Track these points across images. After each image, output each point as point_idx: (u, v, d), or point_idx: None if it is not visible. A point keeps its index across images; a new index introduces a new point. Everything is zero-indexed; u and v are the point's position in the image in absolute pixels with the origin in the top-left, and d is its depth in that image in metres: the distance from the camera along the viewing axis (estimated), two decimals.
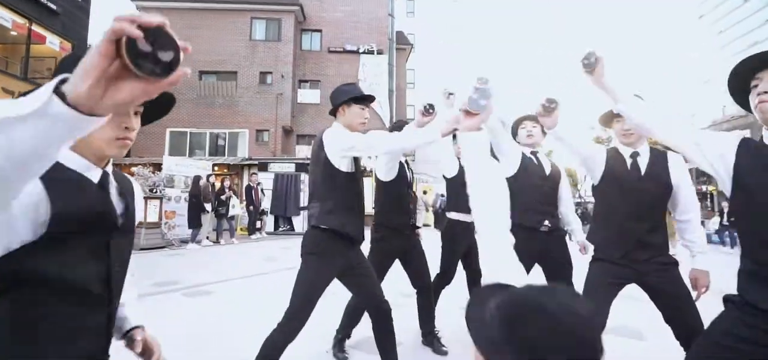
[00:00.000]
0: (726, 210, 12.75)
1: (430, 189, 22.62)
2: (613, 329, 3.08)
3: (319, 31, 19.21)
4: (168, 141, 16.61)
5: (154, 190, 7.97)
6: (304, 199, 12.30)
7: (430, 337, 2.90)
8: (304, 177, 12.40)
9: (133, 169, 11.25)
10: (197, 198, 8.09)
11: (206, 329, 3.24)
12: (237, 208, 9.33)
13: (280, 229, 12.18)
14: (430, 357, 2.79)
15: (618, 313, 2.04)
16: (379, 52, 19.28)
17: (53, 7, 11.12)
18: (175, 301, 4.21)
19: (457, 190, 3.00)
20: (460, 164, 2.87)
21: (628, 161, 1.90)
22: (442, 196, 18.95)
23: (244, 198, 11.13)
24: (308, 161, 10.84)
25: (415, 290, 2.86)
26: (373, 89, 19.28)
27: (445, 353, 2.79)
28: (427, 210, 17.40)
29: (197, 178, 8.36)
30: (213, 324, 3.39)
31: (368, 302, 2.10)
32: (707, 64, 56.54)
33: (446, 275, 3.04)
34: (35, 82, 11.03)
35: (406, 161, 2.83)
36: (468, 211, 2.53)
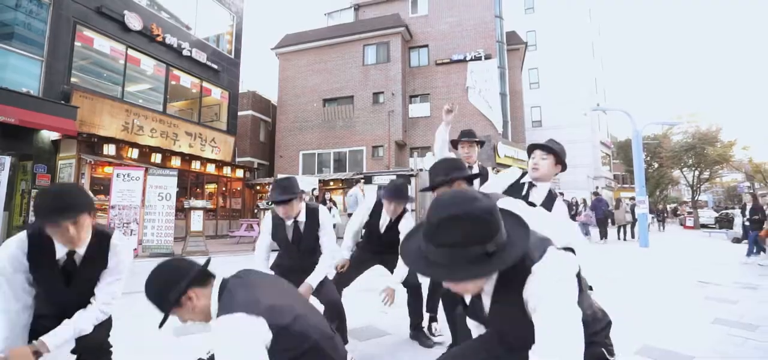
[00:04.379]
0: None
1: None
2: None
3: (426, 46, 19.87)
4: (301, 162, 19.58)
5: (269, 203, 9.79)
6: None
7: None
8: None
9: (269, 187, 13.72)
10: None
11: None
12: (337, 217, 10.53)
13: None
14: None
15: None
16: (487, 57, 18.76)
17: (215, 67, 14.65)
18: None
19: None
20: None
21: None
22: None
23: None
24: (411, 173, 11.77)
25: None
26: (483, 95, 18.84)
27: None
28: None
29: (300, 192, 9.89)
30: None
31: None
32: None
33: None
34: (206, 124, 14.67)
35: None
36: None
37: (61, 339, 1.53)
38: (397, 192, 2.75)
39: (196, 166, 13.13)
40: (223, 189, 15.27)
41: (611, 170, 31.21)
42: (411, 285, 2.97)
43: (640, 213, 11.23)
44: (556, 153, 2.04)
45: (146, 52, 12.33)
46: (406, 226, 2.79)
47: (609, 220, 12.61)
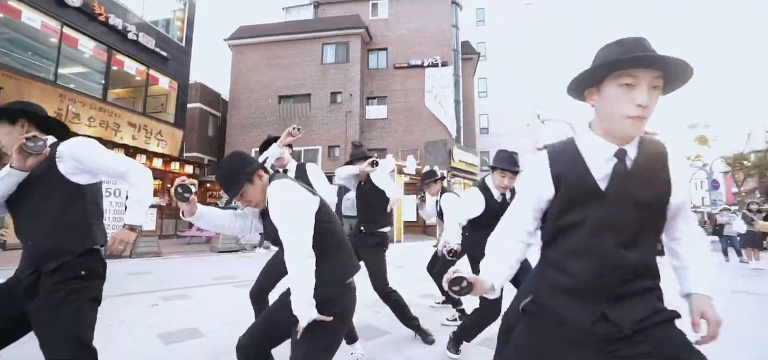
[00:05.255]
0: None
1: None
2: None
3: (385, 49, 20.10)
4: None
5: (227, 203, 9.28)
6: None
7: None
8: None
9: None
10: None
11: (244, 313, 3.84)
12: None
13: None
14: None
15: None
16: (444, 64, 19.43)
17: (164, 54, 13.62)
18: (224, 291, 4.99)
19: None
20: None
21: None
22: None
23: None
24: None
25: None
26: (439, 101, 19.47)
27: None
28: None
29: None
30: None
31: None
32: None
33: None
34: (152, 115, 13.58)
35: None
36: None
37: (139, 212, 1.70)
38: (356, 155, 3.30)
39: (141, 160, 12.09)
40: (169, 186, 14.18)
41: None
42: (385, 294, 2.97)
43: None
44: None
45: (85, 32, 11.13)
46: (379, 176, 3.18)
47: None
